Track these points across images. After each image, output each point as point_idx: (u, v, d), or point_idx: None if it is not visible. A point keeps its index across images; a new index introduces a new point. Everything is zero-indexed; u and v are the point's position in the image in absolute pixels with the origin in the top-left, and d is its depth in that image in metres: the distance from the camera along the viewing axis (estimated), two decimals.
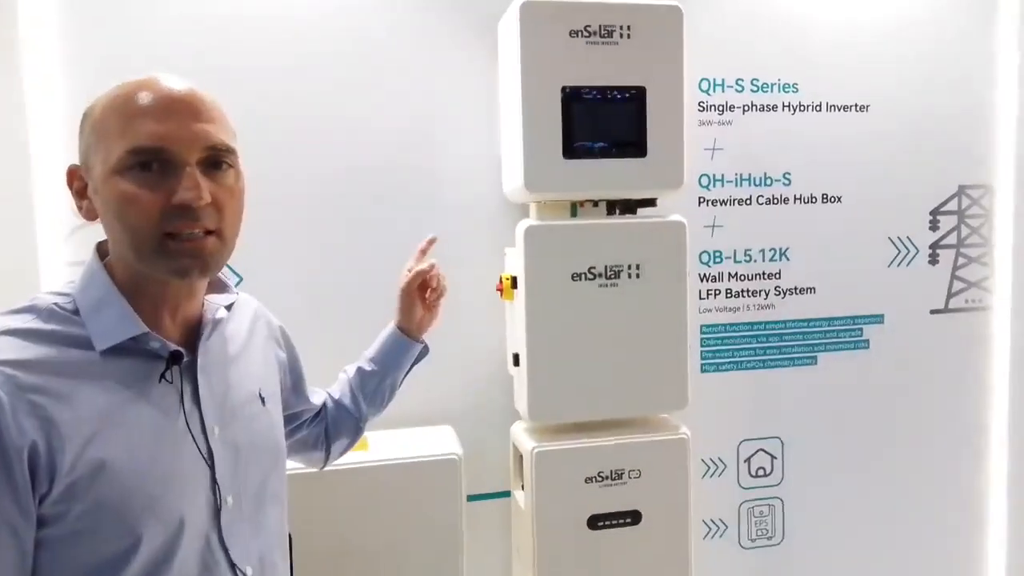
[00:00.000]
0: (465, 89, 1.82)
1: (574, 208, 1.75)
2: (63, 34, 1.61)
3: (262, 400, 0.95)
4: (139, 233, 0.77)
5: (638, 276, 1.63)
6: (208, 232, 0.80)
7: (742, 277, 2.00)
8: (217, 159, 0.81)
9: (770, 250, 2.01)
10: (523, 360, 1.62)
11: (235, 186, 0.84)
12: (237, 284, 1.72)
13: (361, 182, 1.77)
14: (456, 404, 1.84)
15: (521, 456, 1.70)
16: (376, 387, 1.28)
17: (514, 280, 1.64)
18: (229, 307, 0.94)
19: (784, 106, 1.98)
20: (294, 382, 1.17)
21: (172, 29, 1.65)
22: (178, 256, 0.78)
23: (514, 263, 1.66)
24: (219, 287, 0.96)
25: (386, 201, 1.79)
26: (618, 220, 1.68)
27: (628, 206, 1.70)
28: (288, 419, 1.12)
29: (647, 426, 1.73)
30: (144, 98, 0.78)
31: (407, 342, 1.29)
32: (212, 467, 0.83)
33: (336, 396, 1.28)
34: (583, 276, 1.61)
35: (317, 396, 1.25)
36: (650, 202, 1.70)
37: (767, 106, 1.97)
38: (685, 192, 1.65)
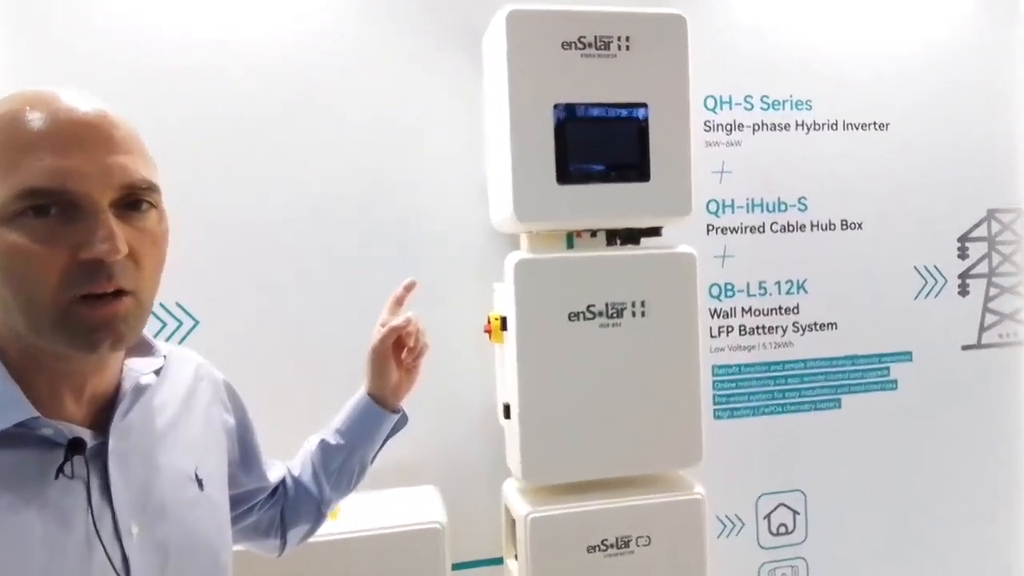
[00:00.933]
0: (447, 110, 1.67)
1: (570, 239, 1.58)
2: None
3: (199, 483, 0.78)
4: (34, 300, 0.62)
5: (643, 314, 1.46)
6: (122, 292, 0.64)
7: (757, 312, 1.86)
8: (136, 199, 0.66)
9: (786, 282, 1.87)
10: (514, 411, 1.45)
11: (157, 230, 0.69)
12: (192, 328, 1.54)
13: (331, 214, 1.61)
14: (440, 461, 1.67)
15: (514, 521, 1.50)
16: (342, 465, 1.08)
17: (503, 321, 1.47)
18: (158, 371, 0.78)
19: (797, 125, 1.85)
20: (243, 454, 0.97)
21: (120, 48, 1.49)
22: (85, 327, 0.63)
23: (503, 301, 1.49)
24: (142, 348, 0.79)
25: (359, 235, 1.63)
26: (620, 252, 1.51)
27: (630, 236, 1.54)
28: (236, 500, 0.94)
29: (657, 485, 1.54)
30: (38, 121, 0.62)
31: (380, 412, 1.10)
32: None
33: (296, 472, 1.08)
34: (581, 315, 1.44)
35: (274, 471, 1.05)
36: (655, 231, 1.54)
37: (779, 125, 1.84)
38: (691, 218, 1.50)
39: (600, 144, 1.43)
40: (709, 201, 1.81)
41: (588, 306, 1.44)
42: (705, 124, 1.79)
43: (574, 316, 1.44)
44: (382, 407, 1.10)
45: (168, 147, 0.81)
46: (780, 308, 1.87)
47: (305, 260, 1.60)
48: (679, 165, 1.47)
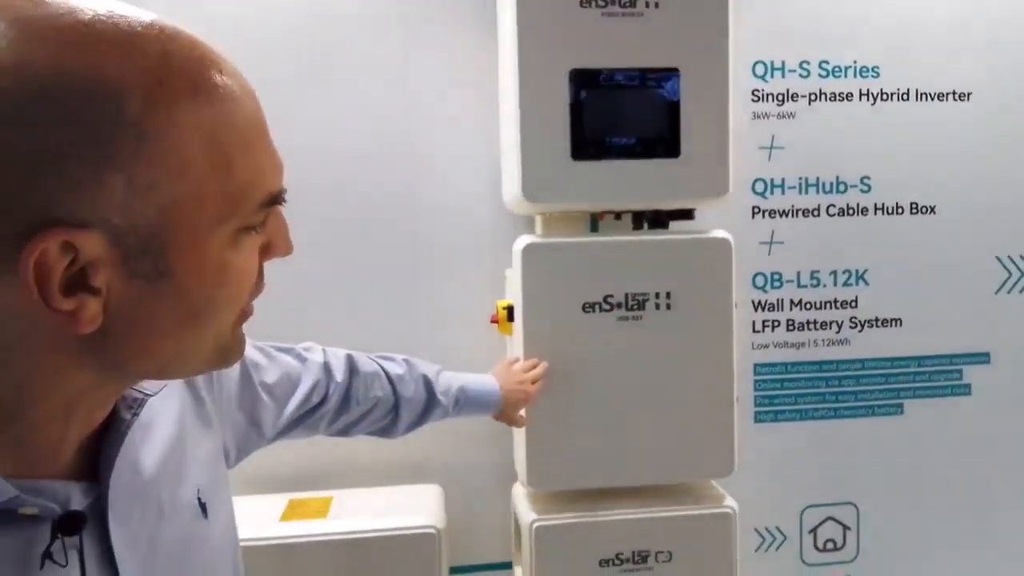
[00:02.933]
0: (459, 79, 1.55)
1: (595, 222, 1.44)
2: None
3: (203, 509, 0.62)
4: (224, 325, 0.49)
5: (668, 307, 1.32)
6: None
7: (808, 305, 1.69)
8: None
9: (844, 272, 1.69)
10: (520, 411, 1.30)
11: None
12: None
13: (331, 194, 1.51)
14: (447, 458, 1.57)
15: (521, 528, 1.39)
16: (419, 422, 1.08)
17: (511, 310, 1.33)
18: (154, 394, 0.60)
19: (862, 94, 1.65)
20: (255, 415, 0.81)
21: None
22: (242, 339, 0.52)
23: (512, 289, 1.35)
24: None
25: (362, 216, 1.53)
26: (642, 236, 1.36)
27: (658, 219, 1.38)
28: (296, 420, 0.90)
29: (682, 495, 1.41)
30: (243, 97, 0.46)
31: (490, 412, 1.19)
32: None
33: (377, 392, 1.02)
34: (597, 307, 1.30)
35: (308, 375, 0.92)
36: (686, 213, 1.38)
37: (840, 95, 1.65)
38: (735, 201, 1.39)
39: (622, 115, 1.28)
40: (755, 180, 1.64)
41: (605, 296, 1.30)
42: (753, 94, 1.62)
43: (589, 307, 1.30)
44: (493, 411, 1.18)
45: None
46: (835, 301, 1.69)
47: (305, 239, 1.50)
48: (715, 139, 1.31)
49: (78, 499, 0.49)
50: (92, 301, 0.42)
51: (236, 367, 0.78)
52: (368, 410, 1.01)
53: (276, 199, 0.49)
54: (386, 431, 1.06)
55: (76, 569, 0.49)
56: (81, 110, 0.38)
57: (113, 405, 0.52)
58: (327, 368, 0.96)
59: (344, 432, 1.00)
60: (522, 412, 1.25)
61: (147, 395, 0.55)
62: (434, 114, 1.53)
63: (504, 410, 1.20)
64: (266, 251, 0.50)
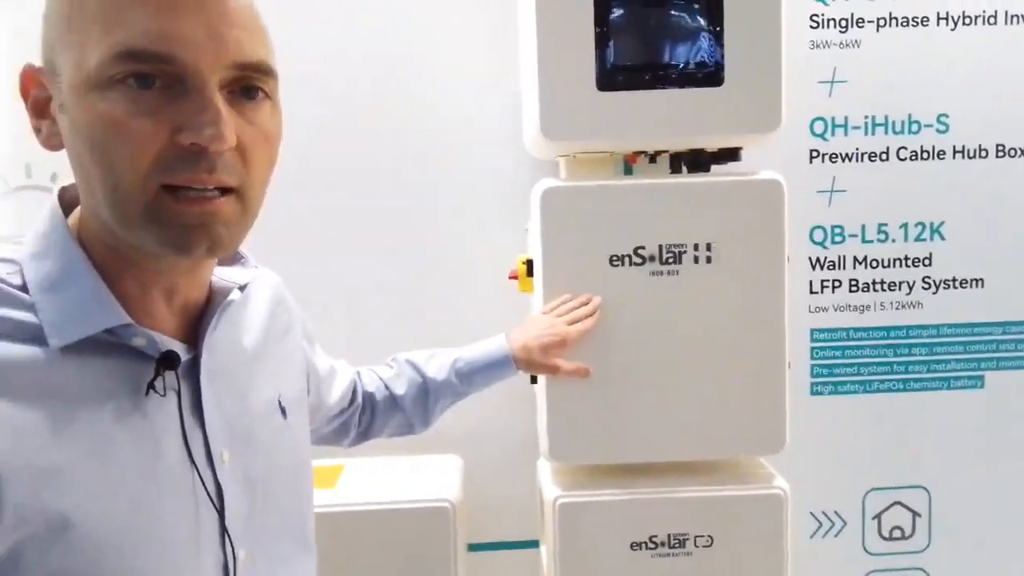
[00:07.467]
0: (473, 2, 1.42)
1: (627, 165, 1.29)
2: None
3: (282, 411, 0.74)
4: (123, 181, 0.56)
5: (709, 260, 1.17)
6: (226, 190, 0.58)
7: (874, 263, 1.55)
8: (250, 83, 0.59)
9: (916, 225, 1.54)
10: (541, 376, 1.20)
11: (270, 124, 0.61)
12: None
13: (335, 143, 1.42)
14: (467, 427, 1.46)
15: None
16: (445, 405, 1.10)
17: (531, 265, 1.21)
18: (243, 288, 0.72)
19: (940, 18, 1.48)
20: (314, 384, 0.93)
21: None
22: (178, 224, 0.57)
23: (532, 241, 1.22)
24: (232, 257, 0.76)
25: (370, 163, 1.43)
26: (678, 179, 1.21)
27: (698, 160, 1.23)
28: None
29: (727, 474, 1.27)
30: None
31: (511, 370, 1.11)
32: (221, 511, 0.64)
33: (399, 391, 1.07)
34: (627, 260, 1.16)
35: (339, 382, 1.01)
36: (731, 154, 1.23)
37: (913, 19, 1.48)
38: (789, 142, 1.29)
39: (657, 37, 1.12)
40: (814, 120, 1.49)
41: (636, 248, 1.16)
42: (811, 19, 1.47)
43: (617, 260, 1.16)
44: (514, 366, 1.11)
45: None
46: (906, 259, 1.54)
47: (315, 187, 1.43)
48: (765, 64, 1.14)
49: (181, 352, 0.62)
50: (46, 123, 0.59)
51: (303, 345, 0.88)
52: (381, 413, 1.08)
53: (145, 58, 0.54)
54: (404, 428, 1.09)
55: (173, 402, 0.61)
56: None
57: (207, 293, 0.68)
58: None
59: (365, 435, 1.06)
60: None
61: (234, 285, 0.70)
62: (447, 51, 1.42)
63: (534, 361, 1.11)
64: (178, 132, 0.55)
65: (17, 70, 0.60)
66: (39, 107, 0.59)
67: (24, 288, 0.58)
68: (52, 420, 0.55)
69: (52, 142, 0.59)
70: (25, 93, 0.60)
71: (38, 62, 0.59)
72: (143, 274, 0.61)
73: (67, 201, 0.62)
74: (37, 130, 0.60)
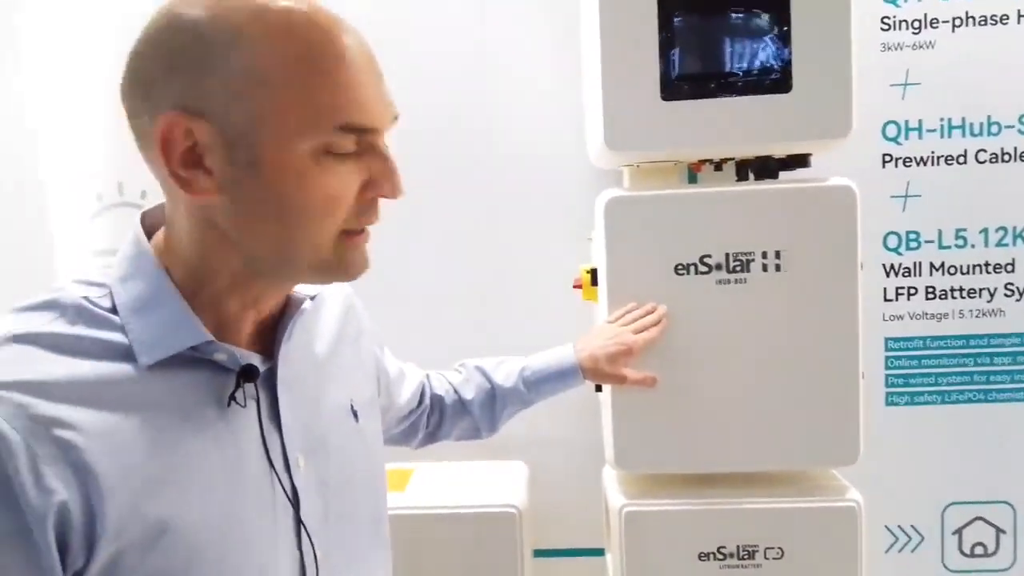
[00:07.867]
0: (537, 14, 1.43)
1: (692, 173, 1.28)
2: None
3: (355, 415, 0.78)
4: (318, 235, 0.62)
5: (778, 268, 1.15)
6: None
7: (952, 270, 1.49)
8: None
9: (997, 230, 1.47)
10: (606, 385, 1.19)
11: None
12: None
13: (405, 153, 1.42)
14: (533, 433, 1.47)
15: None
16: (513, 412, 1.11)
17: (595, 274, 1.21)
18: (313, 297, 0.76)
19: (1020, 16, 1.42)
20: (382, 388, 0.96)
21: None
22: (355, 260, 0.65)
23: (597, 251, 1.23)
24: None
25: (438, 175, 1.45)
26: (748, 187, 1.20)
27: (765, 167, 1.21)
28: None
29: (797, 484, 1.24)
30: (350, 49, 0.60)
31: (577, 380, 1.11)
32: (298, 514, 0.68)
33: (468, 396, 1.09)
34: (693, 268, 1.15)
35: (407, 386, 1.03)
36: (800, 160, 1.20)
37: (991, 18, 1.42)
38: (861, 146, 1.24)
39: (722, 44, 1.11)
40: (887, 123, 1.45)
41: (702, 257, 1.15)
42: (883, 21, 1.43)
43: (683, 269, 1.15)
44: (580, 375, 1.11)
45: None
46: (987, 265, 1.48)
47: (384, 201, 1.44)
48: (835, 70, 1.11)
49: (258, 364, 0.66)
50: (204, 176, 0.58)
51: (374, 350, 0.91)
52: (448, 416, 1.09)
53: (359, 130, 0.60)
54: (471, 432, 1.10)
55: (253, 412, 0.65)
56: (197, 39, 0.57)
57: (282, 303, 0.70)
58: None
59: (433, 436, 1.08)
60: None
61: (306, 296, 0.72)
62: (511, 62, 1.44)
63: (601, 370, 1.11)
64: (368, 187, 0.62)
65: (115, 92, 0.60)
66: (189, 156, 0.58)
67: (114, 310, 0.61)
68: (146, 433, 0.58)
69: (197, 191, 0.58)
70: (169, 141, 0.58)
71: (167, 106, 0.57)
72: (240, 298, 0.65)
73: (147, 226, 0.66)
74: (176, 176, 0.58)
